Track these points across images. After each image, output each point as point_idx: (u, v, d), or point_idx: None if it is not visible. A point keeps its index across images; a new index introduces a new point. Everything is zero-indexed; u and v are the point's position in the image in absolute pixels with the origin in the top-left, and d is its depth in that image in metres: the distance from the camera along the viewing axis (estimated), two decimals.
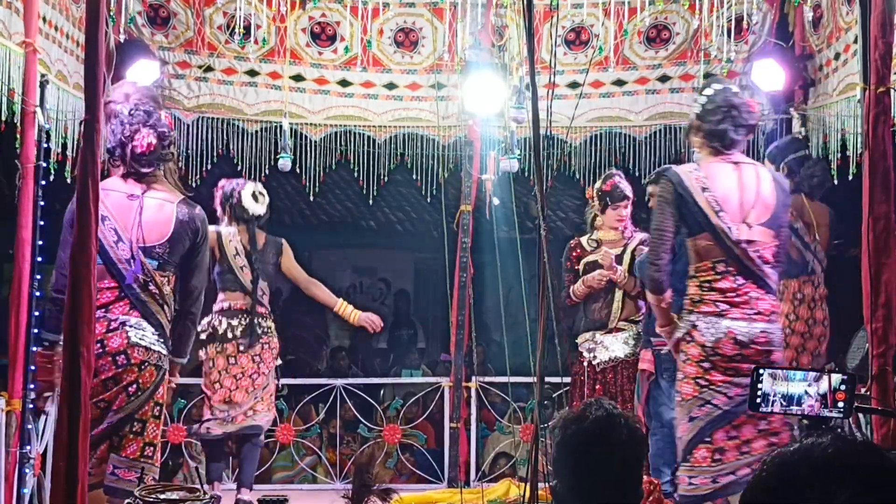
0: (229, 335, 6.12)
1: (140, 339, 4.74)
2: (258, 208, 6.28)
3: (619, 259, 6.18)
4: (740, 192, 4.67)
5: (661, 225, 4.70)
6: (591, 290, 6.14)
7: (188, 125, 6.80)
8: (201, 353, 6.11)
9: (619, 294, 6.13)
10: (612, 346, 6.10)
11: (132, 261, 4.75)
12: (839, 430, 3.12)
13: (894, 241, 4.09)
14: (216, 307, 6.15)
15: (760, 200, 4.66)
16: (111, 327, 4.70)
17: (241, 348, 6.11)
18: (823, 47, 6.31)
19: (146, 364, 4.74)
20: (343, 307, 6.37)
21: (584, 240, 6.33)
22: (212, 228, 6.05)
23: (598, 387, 6.04)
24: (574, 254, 6.28)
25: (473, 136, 7.05)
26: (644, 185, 6.27)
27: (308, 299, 6.60)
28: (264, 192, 6.35)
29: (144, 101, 5.05)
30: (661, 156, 6.88)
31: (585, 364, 6.11)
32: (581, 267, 6.22)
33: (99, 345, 4.53)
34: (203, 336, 6.05)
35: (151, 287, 4.78)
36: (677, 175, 4.72)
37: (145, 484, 4.41)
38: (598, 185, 6.30)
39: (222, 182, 6.40)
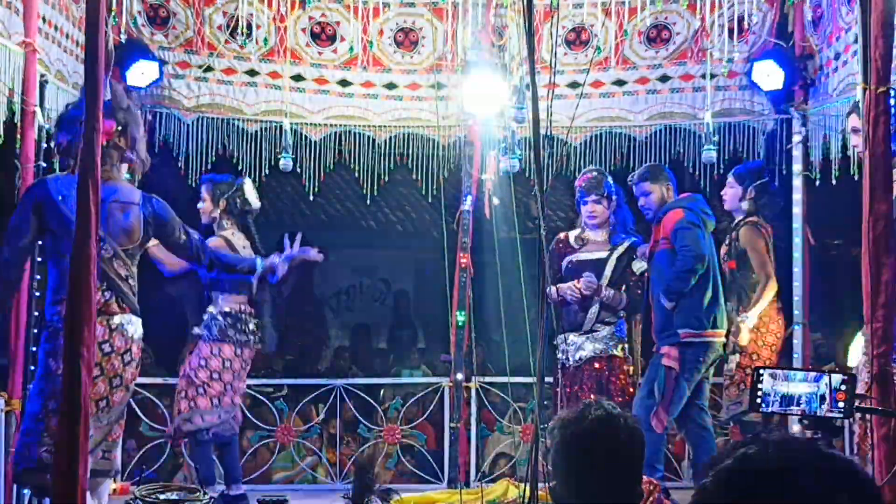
0: (236, 337, 6.05)
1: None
2: (257, 202, 6.27)
3: (602, 264, 6.17)
4: None
5: None
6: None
7: (188, 125, 6.81)
8: (205, 351, 6.04)
9: (597, 304, 6.14)
10: (584, 346, 6.14)
11: None
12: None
13: (894, 241, 4.09)
14: (223, 309, 6.04)
15: None
16: None
17: (248, 350, 6.10)
18: (823, 47, 6.32)
19: None
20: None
21: (571, 235, 6.34)
22: (220, 235, 6.06)
23: (575, 387, 6.08)
24: (558, 247, 6.29)
25: (473, 136, 7.04)
26: (630, 183, 6.25)
27: (308, 301, 6.58)
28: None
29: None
30: (662, 156, 6.87)
31: (559, 366, 6.15)
32: (564, 264, 6.24)
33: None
34: (209, 336, 6.01)
35: None
36: None
37: None
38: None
39: (209, 176, 6.35)
